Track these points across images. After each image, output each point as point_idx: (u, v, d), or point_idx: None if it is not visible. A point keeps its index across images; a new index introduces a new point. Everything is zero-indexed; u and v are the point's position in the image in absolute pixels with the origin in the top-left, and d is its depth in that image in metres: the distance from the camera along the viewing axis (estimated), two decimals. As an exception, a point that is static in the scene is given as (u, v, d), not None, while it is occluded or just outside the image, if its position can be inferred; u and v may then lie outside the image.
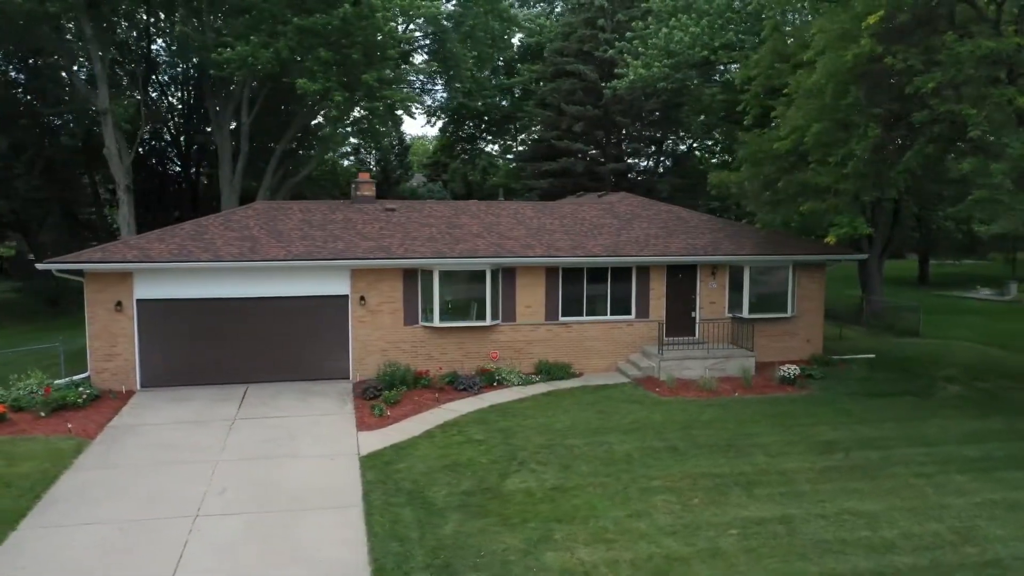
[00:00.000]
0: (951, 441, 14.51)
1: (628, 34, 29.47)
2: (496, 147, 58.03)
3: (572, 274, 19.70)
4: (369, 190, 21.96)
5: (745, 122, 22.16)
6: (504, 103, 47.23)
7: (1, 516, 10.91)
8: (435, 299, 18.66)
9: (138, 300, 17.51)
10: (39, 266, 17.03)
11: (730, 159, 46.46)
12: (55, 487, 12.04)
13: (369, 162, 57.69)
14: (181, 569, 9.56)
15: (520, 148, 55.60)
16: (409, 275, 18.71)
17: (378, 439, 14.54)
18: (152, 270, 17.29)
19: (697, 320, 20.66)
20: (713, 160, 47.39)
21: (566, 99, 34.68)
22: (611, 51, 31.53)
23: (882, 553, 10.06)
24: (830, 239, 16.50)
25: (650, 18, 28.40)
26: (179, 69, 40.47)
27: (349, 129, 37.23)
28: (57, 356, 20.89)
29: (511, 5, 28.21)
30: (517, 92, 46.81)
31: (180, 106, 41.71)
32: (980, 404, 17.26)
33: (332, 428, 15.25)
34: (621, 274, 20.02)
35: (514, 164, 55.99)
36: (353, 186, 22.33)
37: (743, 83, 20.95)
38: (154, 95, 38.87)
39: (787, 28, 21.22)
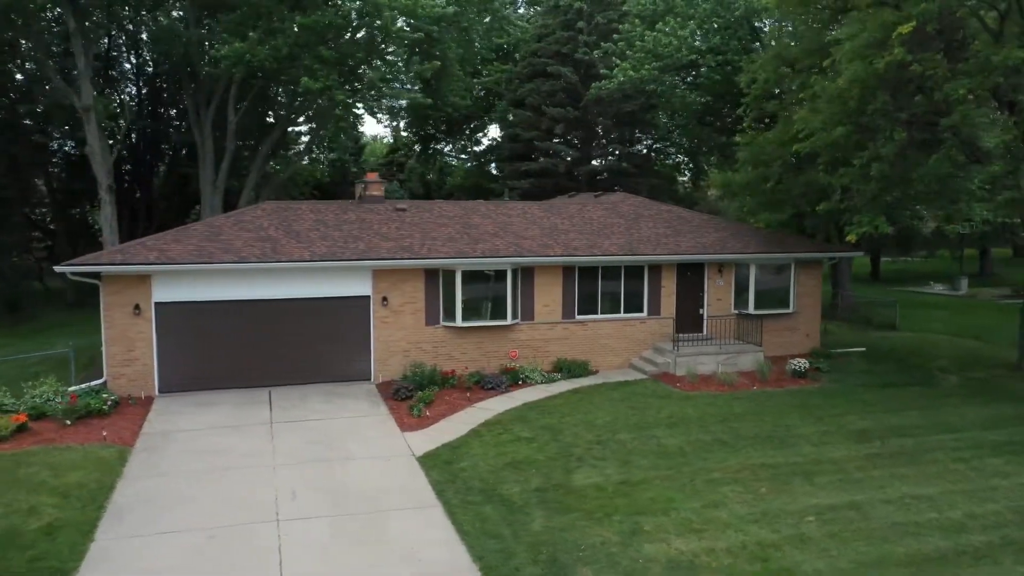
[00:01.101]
0: (972, 427, 15.34)
1: (615, 36, 29.95)
2: (450, 147, 58.02)
3: (587, 273, 19.98)
4: (378, 190, 21.78)
5: (744, 125, 22.85)
6: (466, 103, 47.23)
7: (73, 527, 10.54)
8: (458, 299, 18.66)
9: (156, 303, 16.99)
10: (57, 268, 16.35)
11: (685, 160, 47.72)
12: (115, 496, 11.65)
13: (323, 162, 56.89)
14: (286, 573, 9.42)
15: (475, 149, 55.88)
16: (431, 275, 18.66)
17: (426, 439, 14.51)
18: (172, 272, 16.81)
19: (705, 317, 21.22)
20: (668, 161, 48.57)
21: (547, 100, 34.96)
22: (596, 52, 31.94)
23: (956, 533, 10.64)
24: (851, 237, 17.24)
25: (636, 20, 28.92)
26: (130, 64, 39.20)
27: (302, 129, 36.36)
28: (34, 364, 20.16)
29: (504, 5, 28.37)
30: (478, 92, 46.82)
31: (133, 102, 40.35)
32: (981, 392, 18.23)
33: (374, 429, 15.14)
34: (634, 272, 20.41)
35: (471, 164, 56.15)
36: (361, 186, 22.11)
37: (747, 85, 21.61)
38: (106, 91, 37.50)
39: (786, 34, 21.98)
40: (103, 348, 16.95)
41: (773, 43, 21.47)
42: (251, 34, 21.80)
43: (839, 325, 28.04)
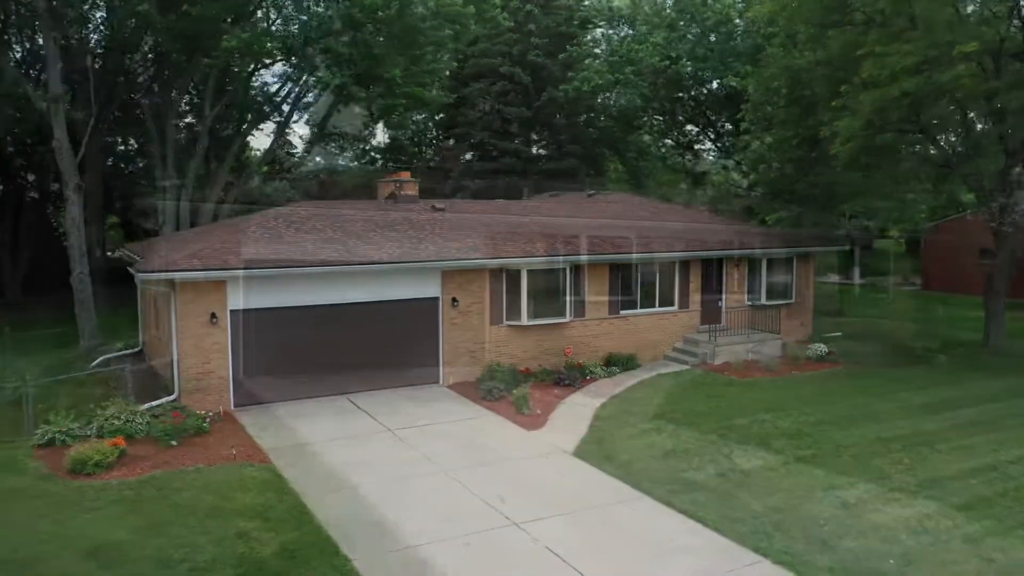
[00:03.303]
0: (1009, 396, 17.55)
1: (585, 40, 30.87)
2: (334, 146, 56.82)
3: (629, 269, 20.73)
4: (413, 189, 21.34)
5: (742, 127, 24.53)
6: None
7: (312, 549, 9.97)
8: (523, 298, 18.80)
9: (232, 311, 15.85)
10: (139, 276, 14.82)
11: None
12: (317, 514, 10.98)
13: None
14: (585, 571, 9.45)
15: (363, 147, 55.27)
16: (495, 275, 18.66)
17: (558, 436, 14.67)
18: (249, 277, 15.76)
19: (724, 308, 22.61)
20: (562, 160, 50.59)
21: (499, 100, 35.30)
22: (561, 56, 32.71)
23: (1094, 485, 12.41)
24: (894, 232, 19.18)
25: (604, 22, 30.03)
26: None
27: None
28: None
29: (493, 6, 28.36)
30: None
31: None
32: (974, 368, 20.73)
33: (498, 429, 15.10)
34: (667, 268, 21.41)
35: (359, 163, 55.30)
36: (393, 185, 21.53)
37: (755, 91, 23.27)
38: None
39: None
40: (174, 361, 15.58)
41: (775, 53, 23.21)
42: (262, 24, 20.55)
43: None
